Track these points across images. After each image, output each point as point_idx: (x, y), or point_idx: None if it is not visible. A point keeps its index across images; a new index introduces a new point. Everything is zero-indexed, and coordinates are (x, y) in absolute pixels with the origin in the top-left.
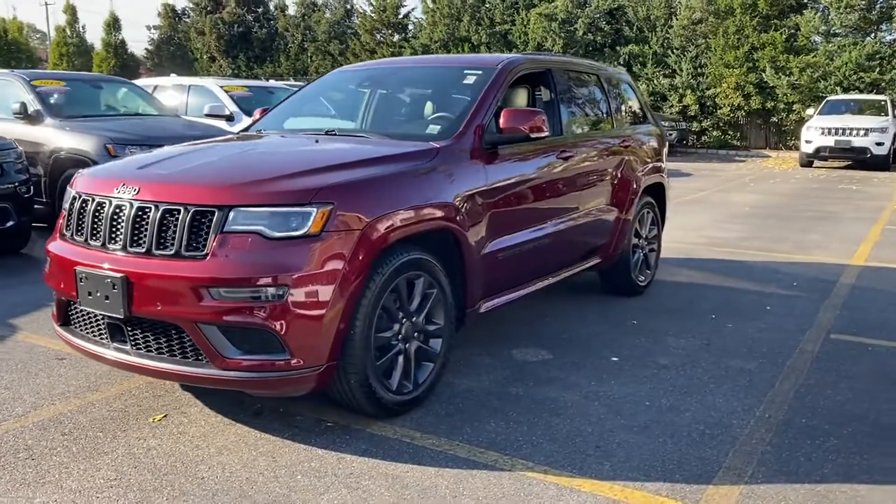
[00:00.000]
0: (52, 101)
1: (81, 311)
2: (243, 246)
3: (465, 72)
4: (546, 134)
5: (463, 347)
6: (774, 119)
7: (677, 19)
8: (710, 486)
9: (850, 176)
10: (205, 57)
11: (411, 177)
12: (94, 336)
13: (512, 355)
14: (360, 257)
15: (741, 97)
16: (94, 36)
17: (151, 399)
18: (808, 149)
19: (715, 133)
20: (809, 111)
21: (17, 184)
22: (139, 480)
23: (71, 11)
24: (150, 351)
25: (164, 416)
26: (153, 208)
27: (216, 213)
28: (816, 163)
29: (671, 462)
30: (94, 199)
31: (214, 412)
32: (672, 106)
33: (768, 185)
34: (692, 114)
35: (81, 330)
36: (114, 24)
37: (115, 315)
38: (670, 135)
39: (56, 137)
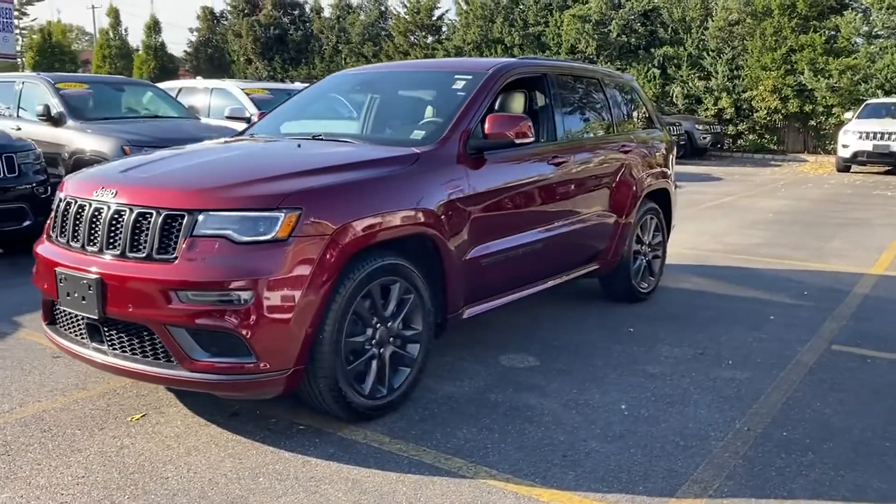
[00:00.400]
0: (81, 105)
1: (63, 311)
2: (211, 250)
3: (456, 76)
4: (531, 140)
5: (449, 352)
6: (813, 123)
7: (713, 21)
8: (671, 499)
9: (886, 182)
10: (241, 59)
11: (388, 182)
12: (76, 336)
13: (498, 361)
14: (330, 262)
15: (778, 100)
16: (137, 38)
17: (134, 398)
18: (844, 153)
19: (751, 137)
20: (848, 115)
21: (34, 184)
22: (105, 479)
23: (114, 14)
24: (125, 352)
25: (143, 415)
26: (128, 211)
27: (185, 217)
28: (854, 168)
29: (637, 474)
30: (76, 202)
31: (192, 413)
32: (707, 109)
33: (800, 190)
34: (728, 117)
35: (65, 330)
36: (154, 27)
37: (90, 316)
38: (704, 138)
39: (77, 139)
